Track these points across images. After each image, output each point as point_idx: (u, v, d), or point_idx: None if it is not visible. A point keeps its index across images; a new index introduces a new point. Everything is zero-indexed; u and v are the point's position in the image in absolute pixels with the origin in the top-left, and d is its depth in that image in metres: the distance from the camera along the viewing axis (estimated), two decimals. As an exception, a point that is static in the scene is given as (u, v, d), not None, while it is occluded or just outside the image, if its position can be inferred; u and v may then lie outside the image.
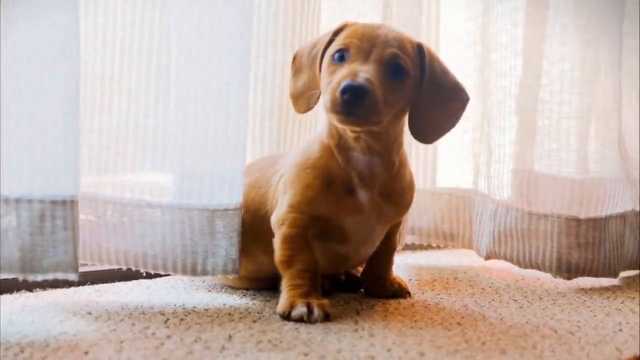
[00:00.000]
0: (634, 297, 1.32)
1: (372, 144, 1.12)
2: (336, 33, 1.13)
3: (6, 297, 1.19)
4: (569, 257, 1.42)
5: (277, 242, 1.14)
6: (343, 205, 1.13)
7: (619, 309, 1.22)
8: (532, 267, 1.45)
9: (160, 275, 1.33)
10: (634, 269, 1.55)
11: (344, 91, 1.02)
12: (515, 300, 1.26)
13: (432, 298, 1.26)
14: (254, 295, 1.26)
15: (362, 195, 1.13)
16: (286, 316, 1.08)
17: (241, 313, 1.12)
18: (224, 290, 1.29)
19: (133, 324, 1.03)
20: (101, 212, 1.18)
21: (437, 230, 1.65)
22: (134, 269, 1.19)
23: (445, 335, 1.02)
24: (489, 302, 1.24)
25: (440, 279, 1.45)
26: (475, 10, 1.60)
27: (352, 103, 1.02)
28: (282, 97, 1.39)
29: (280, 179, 1.18)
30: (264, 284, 1.28)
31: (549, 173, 1.49)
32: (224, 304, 1.18)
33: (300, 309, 1.07)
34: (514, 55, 1.50)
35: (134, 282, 1.33)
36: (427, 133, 1.16)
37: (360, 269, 1.30)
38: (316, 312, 1.07)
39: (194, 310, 1.13)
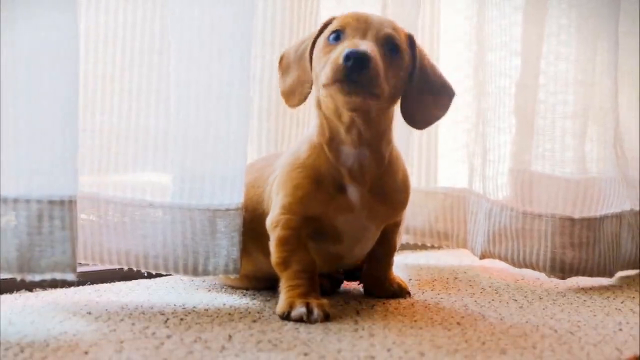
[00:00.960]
0: (634, 297, 1.32)
1: (364, 131, 1.11)
2: (325, 26, 1.14)
3: (6, 297, 1.19)
4: (563, 256, 1.42)
5: (272, 245, 1.14)
6: (334, 204, 1.13)
7: (619, 309, 1.22)
8: (526, 266, 1.45)
9: (160, 275, 1.33)
10: (632, 268, 1.55)
11: (347, 57, 1.01)
12: (515, 300, 1.26)
13: (432, 298, 1.26)
14: (254, 295, 1.26)
15: (353, 192, 1.13)
16: (286, 317, 1.08)
17: (241, 313, 1.12)
18: (224, 290, 1.29)
19: (133, 324, 1.03)
20: (102, 212, 1.18)
21: (431, 230, 1.65)
22: (135, 269, 1.20)
23: (445, 335, 1.02)
24: (489, 302, 1.24)
25: (440, 279, 1.45)
26: (472, 10, 1.60)
27: (355, 70, 1.01)
28: (279, 97, 1.38)
29: (276, 178, 1.19)
30: (263, 283, 1.28)
31: (545, 173, 1.49)
32: (224, 304, 1.18)
33: (299, 309, 1.07)
34: (511, 55, 1.50)
35: (134, 282, 1.33)
36: (419, 118, 1.17)
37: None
38: (316, 312, 1.07)
39: (194, 310, 1.13)
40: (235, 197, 1.18)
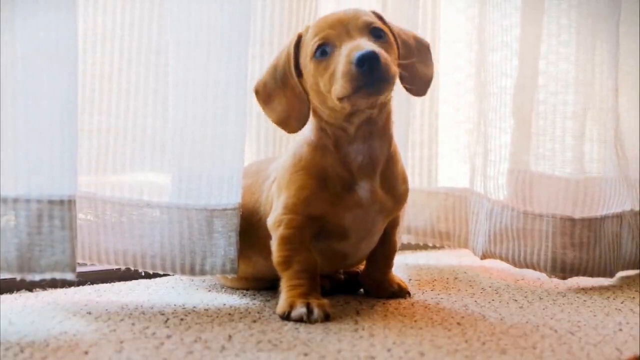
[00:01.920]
0: (634, 297, 1.32)
1: (378, 121, 1.12)
2: (297, 44, 1.13)
3: (6, 297, 1.19)
4: (564, 256, 1.42)
5: (274, 244, 1.14)
6: (341, 202, 1.13)
7: (619, 309, 1.22)
8: (527, 266, 1.45)
9: (160, 275, 1.32)
10: (632, 269, 1.55)
11: (361, 62, 1.01)
12: (515, 300, 1.26)
13: (432, 298, 1.26)
14: (254, 295, 1.25)
15: (363, 187, 1.13)
16: (286, 316, 1.08)
17: (241, 313, 1.12)
18: (223, 290, 1.29)
19: (133, 324, 1.03)
20: (100, 212, 1.18)
21: (433, 230, 1.65)
22: (132, 268, 1.20)
23: (445, 335, 1.01)
24: (489, 302, 1.24)
25: (440, 279, 1.45)
26: (473, 10, 1.60)
27: (372, 69, 1.01)
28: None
29: (273, 183, 1.19)
30: (263, 285, 1.28)
31: (545, 173, 1.48)
32: (224, 304, 1.18)
33: (299, 309, 1.07)
34: (512, 55, 1.49)
35: (134, 282, 1.33)
36: (419, 84, 1.16)
37: (362, 266, 1.30)
38: (316, 312, 1.07)
39: (194, 310, 1.13)
40: (232, 197, 1.18)
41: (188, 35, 1.16)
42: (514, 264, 1.47)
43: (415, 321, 1.09)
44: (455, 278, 1.46)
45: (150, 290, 1.26)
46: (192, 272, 1.18)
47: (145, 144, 1.21)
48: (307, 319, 1.06)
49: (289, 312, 1.07)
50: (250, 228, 1.20)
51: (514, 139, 1.50)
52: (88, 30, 1.19)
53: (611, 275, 1.46)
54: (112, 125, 1.21)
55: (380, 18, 1.15)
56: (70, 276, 1.02)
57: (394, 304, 1.21)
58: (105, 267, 1.27)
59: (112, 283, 1.31)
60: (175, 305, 1.16)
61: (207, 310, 1.14)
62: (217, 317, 1.09)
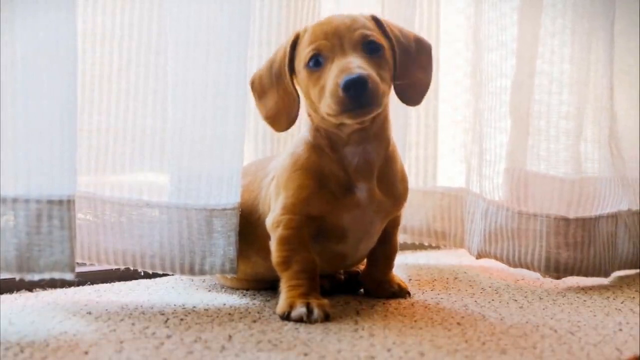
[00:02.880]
0: (633, 297, 1.32)
1: (367, 127, 1.12)
2: (293, 44, 1.13)
3: (6, 297, 1.19)
4: (558, 256, 1.42)
5: (273, 244, 1.14)
6: (339, 203, 1.13)
7: (619, 309, 1.22)
8: (521, 266, 1.45)
9: (160, 275, 1.33)
10: (629, 268, 1.54)
11: (347, 87, 1.02)
12: (515, 301, 1.26)
13: (432, 298, 1.26)
14: (254, 295, 1.25)
15: (360, 188, 1.13)
16: (286, 317, 1.08)
17: (241, 313, 1.12)
18: (223, 290, 1.29)
19: (133, 324, 1.03)
20: (100, 211, 1.18)
21: (429, 229, 1.65)
22: (132, 268, 1.20)
23: (445, 335, 1.01)
24: (489, 302, 1.24)
25: (440, 279, 1.45)
26: (470, 10, 1.60)
27: (359, 95, 1.02)
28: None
29: (271, 182, 1.19)
30: (262, 285, 1.28)
31: (540, 172, 1.48)
32: (224, 304, 1.18)
33: (299, 309, 1.07)
34: (508, 54, 1.49)
35: (134, 282, 1.33)
36: (413, 93, 1.16)
37: (362, 266, 1.30)
38: (316, 312, 1.07)
39: (194, 310, 1.13)
40: (231, 197, 1.18)
41: (187, 36, 1.16)
42: (509, 264, 1.47)
43: (415, 321, 1.09)
44: (455, 278, 1.46)
45: (150, 290, 1.26)
46: (192, 271, 1.19)
47: (145, 144, 1.21)
48: (307, 319, 1.06)
49: (289, 312, 1.07)
50: (249, 226, 1.20)
51: (510, 139, 1.50)
52: (88, 31, 1.19)
53: (606, 275, 1.46)
54: (111, 125, 1.21)
55: (379, 23, 1.14)
56: (69, 276, 1.02)
57: (394, 304, 1.21)
58: (105, 267, 1.27)
59: (112, 283, 1.31)
60: (175, 305, 1.16)
61: (207, 310, 1.14)
62: (217, 317, 1.09)
